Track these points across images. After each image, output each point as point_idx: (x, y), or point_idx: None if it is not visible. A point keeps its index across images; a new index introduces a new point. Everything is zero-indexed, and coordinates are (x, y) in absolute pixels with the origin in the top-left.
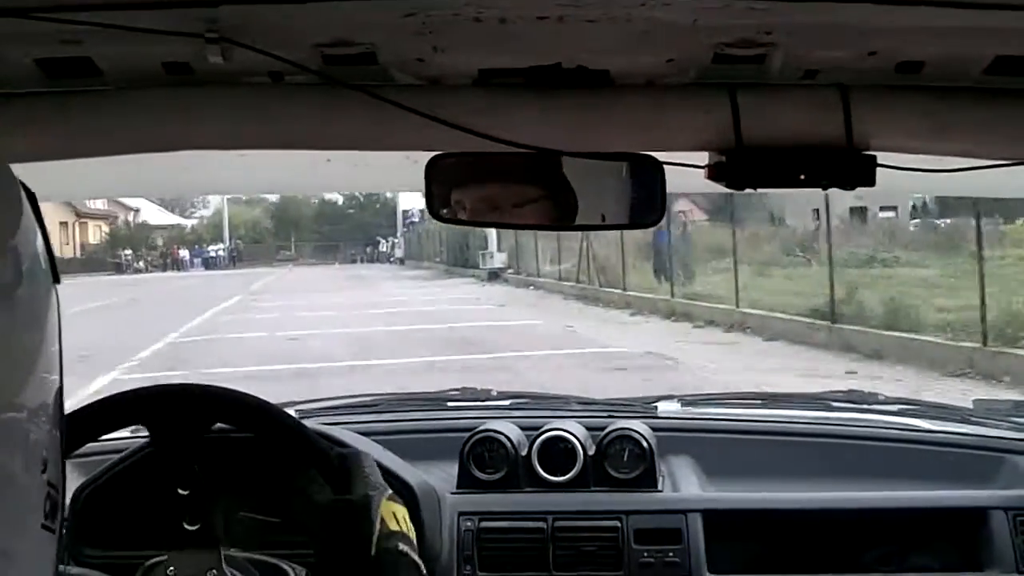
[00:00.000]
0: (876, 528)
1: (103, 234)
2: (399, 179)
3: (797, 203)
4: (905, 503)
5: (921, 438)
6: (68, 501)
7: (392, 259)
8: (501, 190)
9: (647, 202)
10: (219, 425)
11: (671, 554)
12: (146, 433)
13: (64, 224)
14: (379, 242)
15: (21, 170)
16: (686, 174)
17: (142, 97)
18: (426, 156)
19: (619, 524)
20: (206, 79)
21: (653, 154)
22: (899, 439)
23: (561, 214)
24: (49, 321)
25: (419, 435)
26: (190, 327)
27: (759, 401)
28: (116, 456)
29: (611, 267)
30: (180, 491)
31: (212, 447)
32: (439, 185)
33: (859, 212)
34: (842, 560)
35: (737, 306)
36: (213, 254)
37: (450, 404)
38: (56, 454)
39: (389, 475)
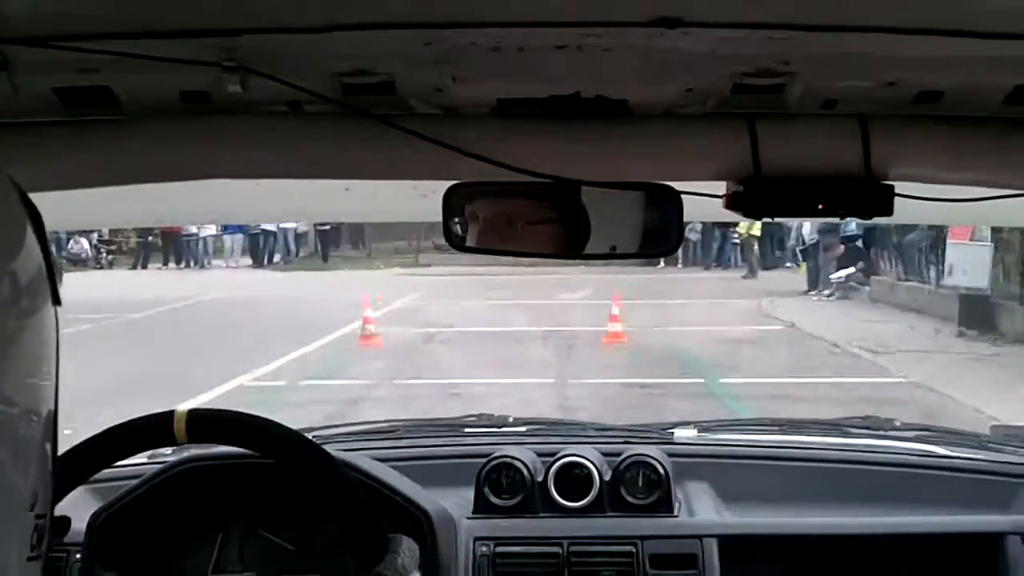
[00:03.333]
0: (892, 554)
1: None
2: (417, 208)
3: None
4: (922, 529)
5: (938, 464)
6: (85, 526)
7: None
8: (519, 219)
9: (664, 231)
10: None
11: None
12: (162, 459)
13: None
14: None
15: (39, 199)
16: (703, 203)
17: (160, 126)
18: (444, 185)
19: (634, 549)
20: (224, 108)
21: (671, 183)
22: (916, 465)
23: (579, 243)
24: (46, 346)
25: (436, 461)
26: None
27: (775, 427)
28: (133, 482)
29: None
30: (205, 522)
31: (228, 473)
32: (457, 214)
33: None
34: None
35: None
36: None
37: (466, 430)
38: (46, 485)
39: (406, 501)
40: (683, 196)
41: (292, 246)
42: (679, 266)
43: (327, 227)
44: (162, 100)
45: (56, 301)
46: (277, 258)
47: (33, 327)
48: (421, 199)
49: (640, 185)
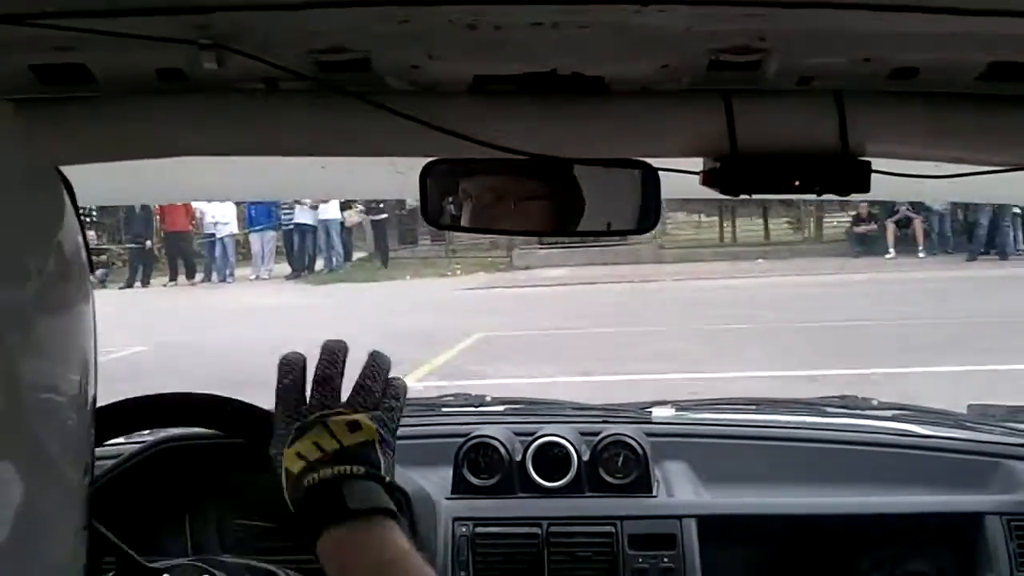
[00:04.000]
0: (871, 533)
1: None
2: (394, 185)
3: None
4: (900, 508)
5: (916, 443)
6: None
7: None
8: (495, 196)
9: (642, 208)
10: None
11: (666, 559)
12: (140, 439)
13: None
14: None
15: None
16: (680, 180)
17: (136, 103)
18: (421, 162)
19: (613, 529)
20: (200, 86)
21: (648, 160)
22: (894, 444)
23: (556, 220)
24: (86, 315)
25: (413, 440)
26: None
27: (753, 406)
28: (110, 463)
29: None
30: (178, 498)
31: (205, 454)
32: (434, 191)
33: None
34: (837, 565)
35: None
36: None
37: (444, 409)
38: (89, 453)
39: None
40: (660, 174)
41: (338, 246)
42: (921, 255)
43: (383, 216)
44: (138, 77)
45: (92, 270)
46: (320, 263)
47: (75, 294)
48: (398, 176)
49: (618, 161)
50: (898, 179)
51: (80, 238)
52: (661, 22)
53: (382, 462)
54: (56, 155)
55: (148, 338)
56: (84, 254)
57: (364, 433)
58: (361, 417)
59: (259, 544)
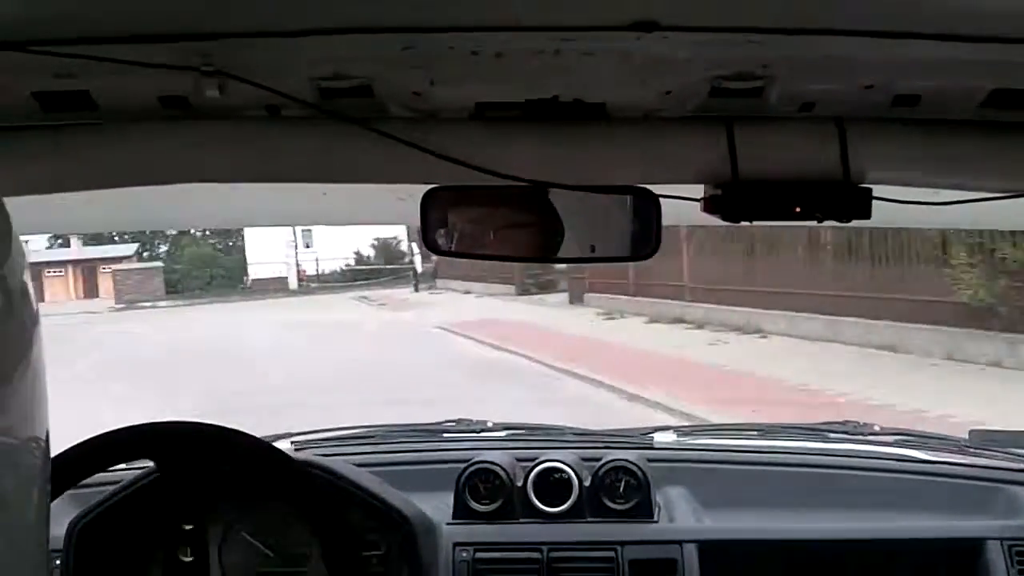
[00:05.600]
0: (873, 559)
1: None
2: (396, 212)
3: None
4: (902, 534)
5: (917, 469)
6: (64, 533)
7: None
8: (498, 223)
9: (642, 235)
10: None
11: None
12: (141, 466)
13: None
14: None
15: (15, 203)
16: (681, 207)
17: (138, 130)
18: (422, 189)
19: (614, 555)
20: (202, 113)
21: (649, 187)
22: (896, 470)
23: (558, 248)
24: (36, 354)
25: (415, 466)
26: None
27: (755, 432)
28: (110, 488)
29: None
30: (184, 526)
31: (211, 480)
32: (435, 218)
33: None
34: None
35: None
36: None
37: (445, 435)
38: (46, 493)
39: (387, 507)
40: (661, 200)
41: None
42: None
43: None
44: (140, 105)
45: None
46: None
47: (22, 332)
48: (399, 203)
49: (619, 188)
50: (899, 206)
51: (25, 270)
52: (663, 49)
53: None
54: (55, 183)
55: None
56: (29, 286)
57: None
58: None
59: (260, 569)
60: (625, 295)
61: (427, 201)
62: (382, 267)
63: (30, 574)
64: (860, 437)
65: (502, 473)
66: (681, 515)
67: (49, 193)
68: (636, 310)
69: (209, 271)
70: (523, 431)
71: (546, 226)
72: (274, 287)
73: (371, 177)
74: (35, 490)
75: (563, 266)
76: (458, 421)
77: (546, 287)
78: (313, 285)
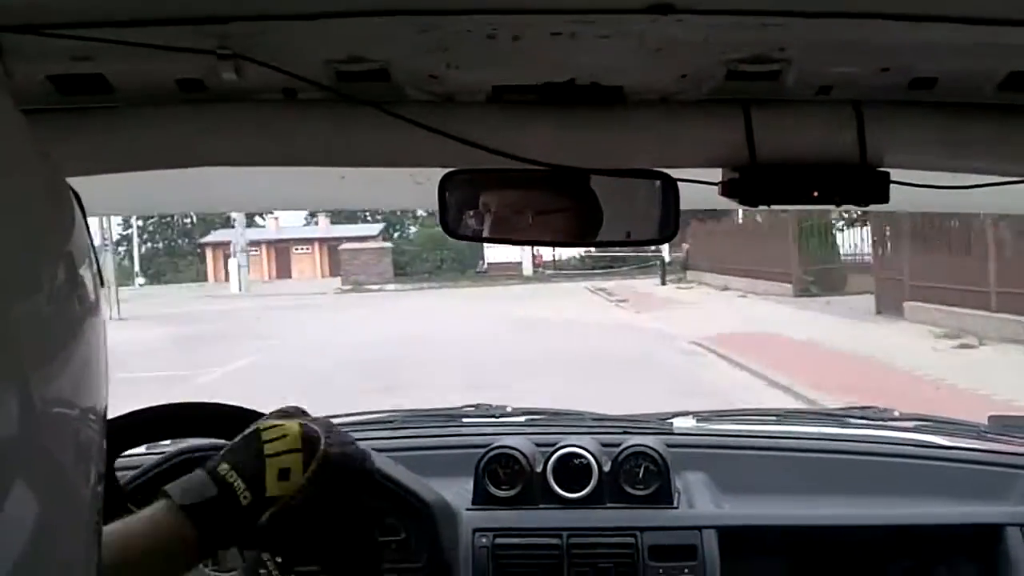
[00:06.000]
0: (892, 545)
1: None
2: (413, 196)
3: None
4: (920, 520)
5: (936, 455)
6: None
7: None
8: (513, 206)
9: (660, 219)
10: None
11: (686, 571)
12: (160, 450)
13: None
14: None
15: None
16: (699, 190)
17: (155, 114)
18: (440, 172)
19: (634, 540)
20: (219, 96)
21: (666, 170)
22: (914, 455)
23: (573, 230)
24: (97, 328)
25: (434, 451)
26: None
27: (774, 417)
28: (130, 473)
29: None
30: None
31: None
32: (453, 202)
33: None
34: None
35: None
36: None
37: (465, 420)
38: (102, 465)
39: (408, 492)
40: (679, 184)
41: None
42: None
43: None
44: (157, 88)
45: (100, 282)
46: None
47: (87, 304)
48: (416, 186)
49: (636, 172)
50: (916, 189)
51: (91, 250)
52: (680, 32)
53: None
54: (72, 166)
55: None
56: (94, 266)
57: None
58: None
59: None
60: (976, 309)
61: (444, 184)
62: (626, 255)
63: (83, 549)
64: (879, 423)
65: (522, 458)
66: (701, 501)
67: (65, 176)
68: (1006, 333)
69: (440, 253)
70: (543, 416)
71: (565, 210)
72: (508, 272)
73: (388, 160)
74: (90, 464)
75: (854, 262)
76: (477, 406)
77: (831, 286)
78: (548, 272)
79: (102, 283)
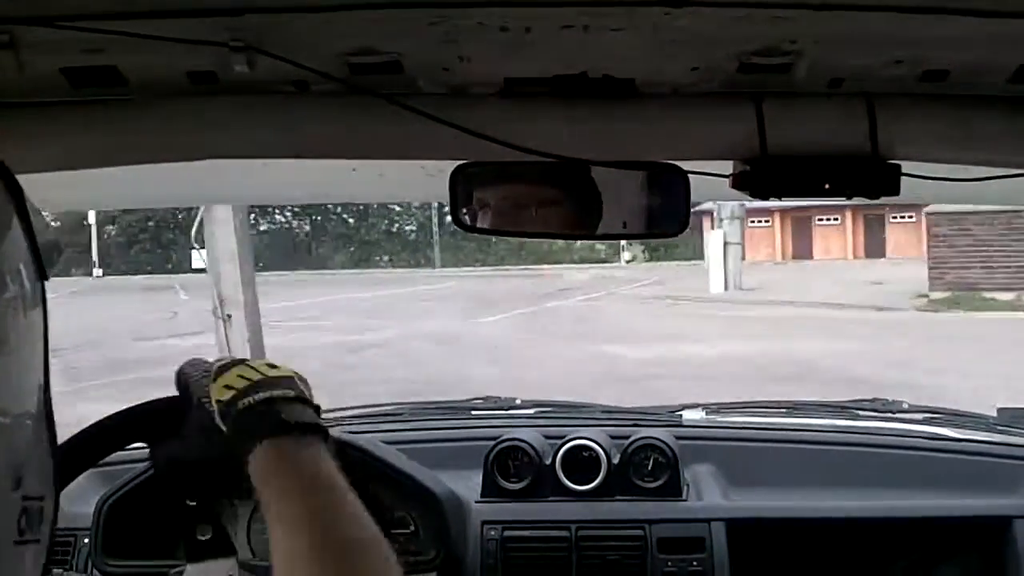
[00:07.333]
0: (901, 537)
1: None
2: (424, 189)
3: None
4: (929, 512)
5: (946, 447)
6: (92, 510)
7: None
8: (526, 200)
9: (671, 211)
10: None
11: (695, 563)
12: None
13: None
14: None
15: (45, 179)
16: (710, 183)
17: (167, 106)
18: (451, 165)
19: (643, 533)
20: (231, 88)
21: (678, 163)
22: (924, 448)
23: (586, 223)
24: (33, 324)
25: (443, 444)
26: None
27: (783, 409)
28: (140, 466)
29: None
30: (188, 503)
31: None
32: (464, 194)
33: None
34: (867, 570)
35: None
36: None
37: (474, 413)
38: (41, 463)
39: (415, 484)
40: (690, 176)
41: None
42: None
43: None
44: (169, 80)
45: (43, 276)
46: None
47: (18, 300)
48: (428, 179)
49: (647, 164)
50: (927, 182)
51: (26, 242)
52: (692, 24)
53: (305, 392)
54: (84, 159)
55: None
56: (32, 258)
57: (283, 370)
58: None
59: None
60: None
61: (456, 177)
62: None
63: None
64: (888, 415)
65: (531, 451)
66: (709, 493)
67: (78, 169)
68: None
69: None
70: (552, 408)
71: (577, 203)
72: None
73: (400, 153)
74: (20, 467)
75: None
76: (486, 399)
77: None
78: None
79: (44, 276)
